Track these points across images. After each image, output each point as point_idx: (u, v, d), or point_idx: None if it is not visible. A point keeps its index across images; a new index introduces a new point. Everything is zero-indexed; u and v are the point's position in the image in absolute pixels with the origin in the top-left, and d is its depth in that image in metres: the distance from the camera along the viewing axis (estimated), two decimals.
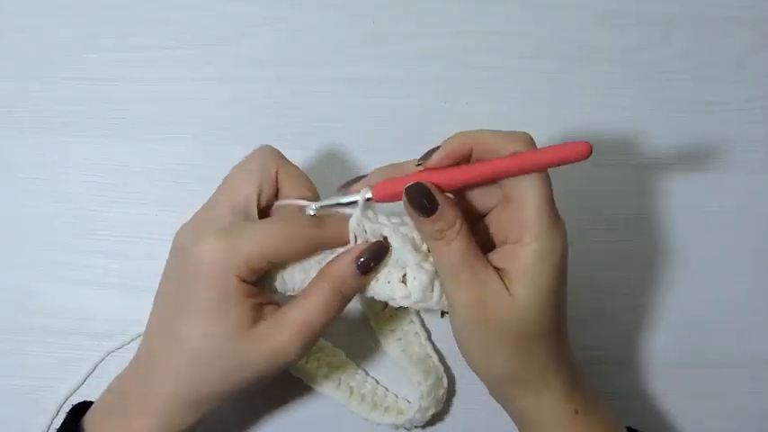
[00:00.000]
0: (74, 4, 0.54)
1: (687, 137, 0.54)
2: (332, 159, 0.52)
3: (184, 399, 0.38)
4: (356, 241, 0.40)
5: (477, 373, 0.40)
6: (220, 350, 0.37)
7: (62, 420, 0.41)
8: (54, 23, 0.54)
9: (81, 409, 0.41)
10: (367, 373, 0.48)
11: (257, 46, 0.54)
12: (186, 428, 0.39)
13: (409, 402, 0.47)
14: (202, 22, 0.54)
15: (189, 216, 0.40)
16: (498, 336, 0.38)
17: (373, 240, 0.40)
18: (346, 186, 0.40)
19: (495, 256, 0.38)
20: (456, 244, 0.37)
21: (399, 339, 0.48)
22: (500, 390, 0.41)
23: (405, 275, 0.40)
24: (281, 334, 0.38)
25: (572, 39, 0.55)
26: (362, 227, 0.39)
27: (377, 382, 0.48)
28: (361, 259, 0.39)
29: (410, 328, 0.48)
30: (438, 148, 0.38)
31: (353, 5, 0.55)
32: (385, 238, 0.39)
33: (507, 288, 0.37)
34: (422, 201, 0.37)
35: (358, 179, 0.40)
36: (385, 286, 0.40)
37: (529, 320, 0.37)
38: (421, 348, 0.48)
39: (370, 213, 0.39)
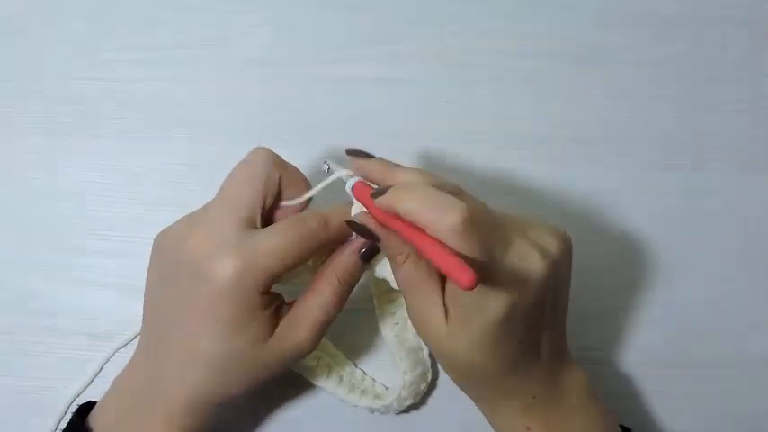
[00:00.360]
0: (74, 4, 0.54)
1: (687, 137, 0.54)
2: (332, 160, 0.52)
3: (202, 405, 0.39)
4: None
5: None
6: (243, 361, 0.38)
7: (69, 420, 0.41)
8: (54, 23, 0.54)
9: (87, 408, 0.41)
10: (346, 357, 0.49)
11: (257, 46, 0.54)
12: (198, 429, 0.40)
13: (387, 388, 0.48)
14: (202, 22, 0.54)
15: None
16: (440, 358, 0.40)
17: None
18: (353, 154, 0.41)
19: (451, 285, 0.38)
20: (404, 268, 0.38)
21: (396, 324, 0.48)
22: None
23: None
24: (298, 333, 0.39)
25: (572, 39, 0.55)
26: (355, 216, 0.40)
27: (355, 365, 0.49)
28: (363, 250, 0.40)
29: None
30: (387, 189, 0.36)
31: (353, 5, 0.55)
32: None
33: (447, 321, 0.37)
34: (365, 231, 0.38)
35: (365, 154, 0.40)
36: (385, 267, 0.41)
37: (465, 353, 0.37)
38: (414, 339, 0.48)
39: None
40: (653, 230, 0.52)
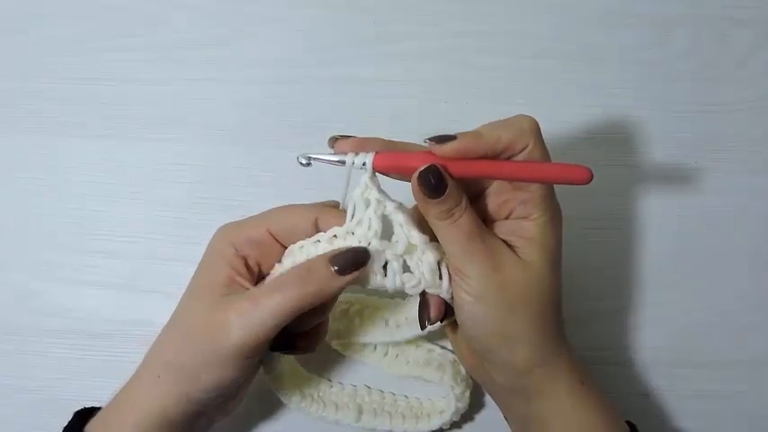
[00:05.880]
0: (74, 4, 0.54)
1: (687, 137, 0.54)
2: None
3: (162, 371, 0.39)
4: (354, 212, 0.38)
5: (491, 366, 0.41)
6: (188, 313, 0.39)
7: (68, 423, 0.41)
8: (54, 23, 0.54)
9: (87, 413, 0.41)
10: (394, 394, 0.48)
11: (257, 46, 0.54)
12: (176, 413, 0.39)
13: (443, 398, 0.47)
14: (202, 22, 0.55)
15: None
16: (514, 302, 0.38)
17: (373, 217, 0.38)
18: (336, 140, 0.40)
19: (497, 229, 0.40)
20: (463, 220, 0.38)
21: (397, 356, 0.47)
22: (513, 378, 0.40)
23: (405, 263, 0.39)
24: (228, 308, 0.37)
25: (572, 39, 0.55)
26: (366, 197, 0.38)
27: (406, 396, 0.48)
28: (337, 265, 0.37)
29: (398, 339, 0.46)
30: (452, 137, 0.37)
31: (353, 5, 0.55)
32: (384, 215, 0.39)
33: (516, 254, 0.39)
34: (433, 182, 0.37)
35: (346, 137, 0.40)
36: (393, 279, 0.38)
37: (541, 280, 0.39)
38: (420, 350, 0.47)
39: (377, 182, 0.38)
40: (657, 231, 0.52)
